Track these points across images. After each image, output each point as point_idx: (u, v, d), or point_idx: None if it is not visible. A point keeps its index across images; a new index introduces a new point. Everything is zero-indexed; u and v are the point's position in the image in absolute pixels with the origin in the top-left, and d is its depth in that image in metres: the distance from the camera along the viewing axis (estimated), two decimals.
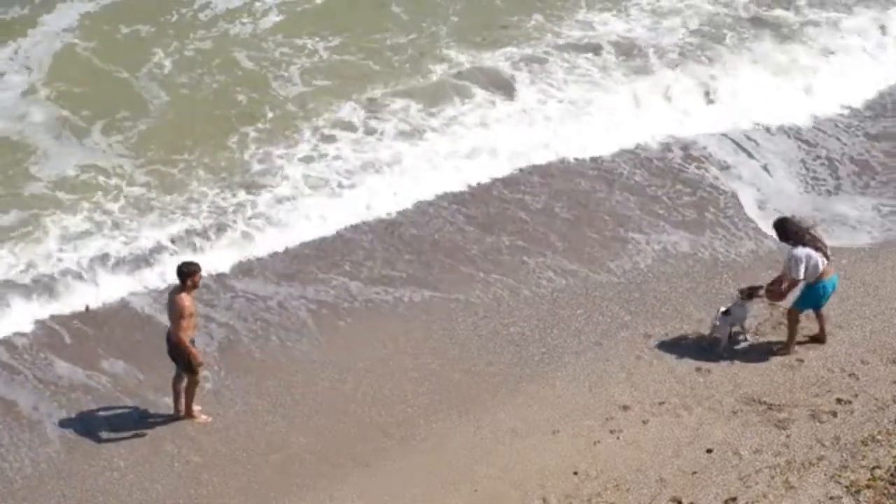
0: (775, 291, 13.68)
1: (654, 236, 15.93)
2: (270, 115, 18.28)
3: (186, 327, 12.74)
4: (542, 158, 17.53)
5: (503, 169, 17.34)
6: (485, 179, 17.11)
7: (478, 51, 19.88)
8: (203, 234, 15.93)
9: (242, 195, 16.63)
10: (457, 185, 17.03)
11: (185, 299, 12.70)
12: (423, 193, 16.83)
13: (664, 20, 20.93)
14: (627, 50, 20.04)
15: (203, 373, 13.23)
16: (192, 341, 12.95)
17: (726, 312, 13.87)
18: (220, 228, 16.02)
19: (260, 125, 18.04)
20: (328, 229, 16.23)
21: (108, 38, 19.92)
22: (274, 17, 20.62)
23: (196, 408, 13.33)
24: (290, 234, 16.07)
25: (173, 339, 12.85)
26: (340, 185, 16.92)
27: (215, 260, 15.45)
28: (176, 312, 12.72)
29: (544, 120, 18.32)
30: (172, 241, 15.76)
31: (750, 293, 13.86)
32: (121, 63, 19.32)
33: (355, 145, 17.69)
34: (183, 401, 13.26)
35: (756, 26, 20.82)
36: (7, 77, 18.97)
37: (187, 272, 12.76)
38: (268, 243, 15.91)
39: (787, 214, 14.74)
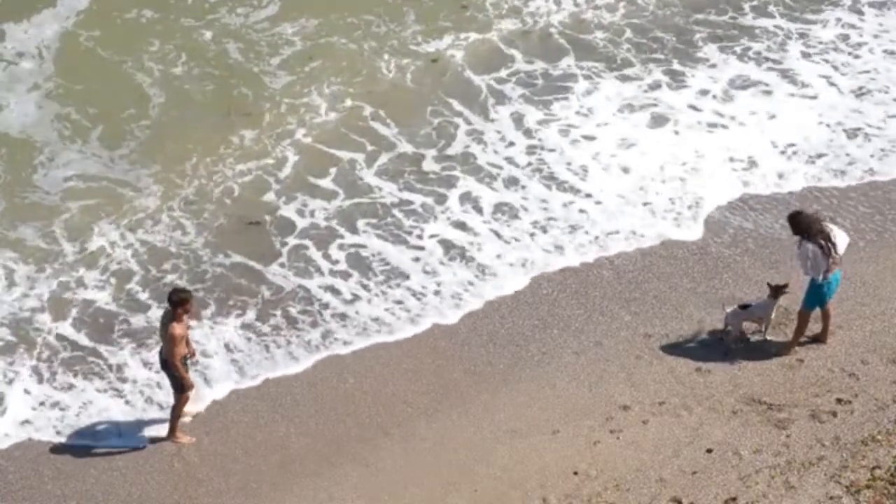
0: None
1: (653, 236, 15.89)
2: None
3: (178, 352, 12.67)
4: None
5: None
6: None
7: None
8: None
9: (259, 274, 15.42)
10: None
11: (177, 328, 12.56)
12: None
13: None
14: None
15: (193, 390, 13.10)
16: (189, 356, 12.93)
17: (745, 307, 13.87)
18: (239, 309, 14.88)
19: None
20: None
21: (114, 27, 19.43)
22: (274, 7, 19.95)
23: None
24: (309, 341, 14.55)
25: (165, 357, 12.82)
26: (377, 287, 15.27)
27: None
28: (168, 339, 12.65)
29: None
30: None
31: (776, 291, 13.81)
32: (127, 56, 18.77)
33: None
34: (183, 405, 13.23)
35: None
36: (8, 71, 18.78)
37: (177, 301, 12.57)
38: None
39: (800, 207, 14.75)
